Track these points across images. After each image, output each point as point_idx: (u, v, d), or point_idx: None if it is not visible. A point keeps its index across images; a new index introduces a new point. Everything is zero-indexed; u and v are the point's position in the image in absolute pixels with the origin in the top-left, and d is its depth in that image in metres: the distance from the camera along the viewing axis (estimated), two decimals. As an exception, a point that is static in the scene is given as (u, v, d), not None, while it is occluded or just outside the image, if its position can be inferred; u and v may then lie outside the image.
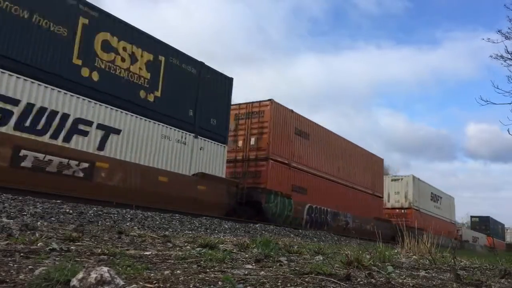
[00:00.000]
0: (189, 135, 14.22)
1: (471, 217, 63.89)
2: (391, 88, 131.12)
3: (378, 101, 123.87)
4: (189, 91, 14.39)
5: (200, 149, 14.52)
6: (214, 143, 15.16)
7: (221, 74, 15.82)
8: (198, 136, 14.50)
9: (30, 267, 2.55)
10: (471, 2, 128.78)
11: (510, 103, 10.44)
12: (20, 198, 8.41)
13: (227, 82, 16.11)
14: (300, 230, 16.53)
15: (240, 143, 18.22)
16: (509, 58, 10.69)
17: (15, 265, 2.58)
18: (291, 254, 4.81)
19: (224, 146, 15.60)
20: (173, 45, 14.53)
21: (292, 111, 19.50)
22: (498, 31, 10.61)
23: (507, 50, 10.66)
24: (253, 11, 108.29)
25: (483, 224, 59.35)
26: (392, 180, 33.61)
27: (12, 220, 6.39)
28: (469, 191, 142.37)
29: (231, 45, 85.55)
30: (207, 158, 14.86)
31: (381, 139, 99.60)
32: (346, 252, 4.13)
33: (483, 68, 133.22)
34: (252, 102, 18.63)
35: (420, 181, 34.52)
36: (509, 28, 10.49)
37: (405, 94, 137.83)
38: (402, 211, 31.84)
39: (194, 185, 13.79)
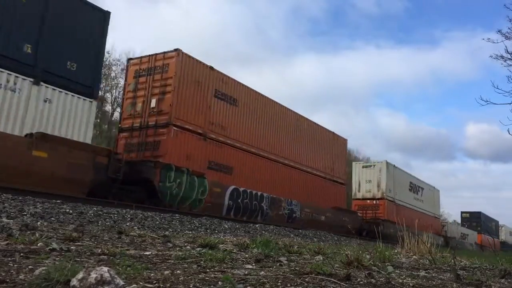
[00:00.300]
0: (24, 79, 10.27)
1: (462, 212, 59.24)
2: (391, 88, 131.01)
3: (378, 101, 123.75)
4: (26, 18, 10.42)
5: (46, 101, 10.59)
6: (73, 95, 11.17)
7: (89, 4, 11.96)
8: (42, 83, 10.58)
9: (30, 267, 2.55)
10: (470, 2, 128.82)
11: (510, 103, 10.41)
12: (20, 198, 8.41)
13: (99, 17, 12.08)
14: (300, 230, 16.50)
15: (139, 106, 14.38)
16: (509, 58, 10.67)
17: (15, 265, 2.58)
18: (291, 254, 4.81)
19: (91, 101, 11.66)
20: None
21: (211, 68, 15.36)
22: (498, 31, 10.58)
23: (507, 50, 10.64)
24: (252, 12, 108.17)
25: (474, 220, 55.26)
26: (363, 167, 29.22)
27: (12, 220, 6.39)
28: (469, 191, 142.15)
29: (230, 46, 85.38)
30: (59, 115, 10.85)
31: (381, 139, 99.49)
32: (346, 252, 4.14)
33: (482, 68, 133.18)
34: (156, 54, 14.59)
35: (396, 168, 30.15)
36: (509, 28, 10.46)
37: (405, 94, 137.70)
38: (374, 202, 27.61)
39: (26, 149, 9.54)
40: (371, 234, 22.84)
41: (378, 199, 27.75)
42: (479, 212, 56.87)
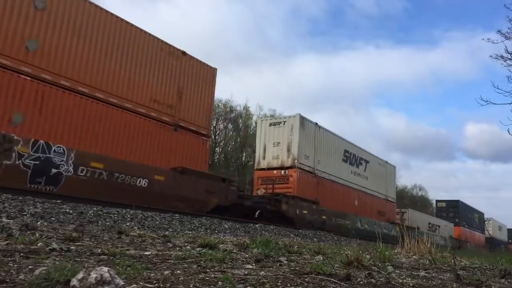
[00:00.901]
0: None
1: (437, 201, 51.03)
2: (390, 88, 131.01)
3: (377, 101, 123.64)
4: None
5: None
6: None
7: None
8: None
9: (30, 267, 2.55)
10: (469, 2, 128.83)
11: (510, 103, 10.43)
12: (20, 198, 8.41)
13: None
14: (300, 230, 16.48)
15: None
16: (509, 58, 10.68)
17: (15, 265, 2.58)
18: (291, 254, 4.81)
19: None
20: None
21: None
22: (498, 31, 10.60)
23: (507, 50, 10.66)
24: (252, 11, 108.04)
25: (452, 210, 46.61)
26: (270, 125, 20.50)
27: (12, 220, 6.39)
28: (469, 191, 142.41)
29: (230, 46, 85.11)
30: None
31: (381, 139, 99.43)
32: (346, 252, 4.14)
33: (481, 68, 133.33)
34: None
35: (321, 128, 21.56)
36: (509, 28, 10.48)
37: (404, 94, 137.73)
38: (282, 172, 19.43)
39: None
40: (267, 215, 17.06)
41: (288, 168, 19.52)
42: (457, 201, 48.34)
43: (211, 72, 15.74)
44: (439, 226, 38.49)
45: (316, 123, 21.14)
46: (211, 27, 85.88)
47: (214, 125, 44.04)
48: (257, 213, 16.98)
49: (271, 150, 20.06)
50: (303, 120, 20.01)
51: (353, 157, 24.33)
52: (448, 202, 48.29)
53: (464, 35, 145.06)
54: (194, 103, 14.84)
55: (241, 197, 16.49)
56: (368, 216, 24.96)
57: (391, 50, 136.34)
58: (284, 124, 20.04)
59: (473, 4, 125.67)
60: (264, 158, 20.24)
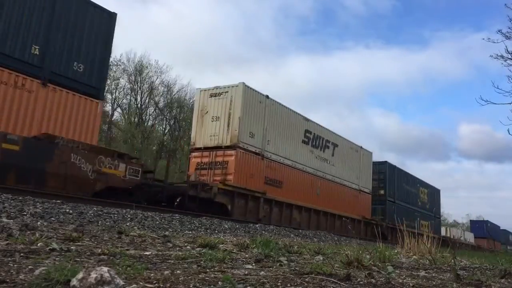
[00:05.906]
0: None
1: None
2: (382, 88, 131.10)
3: (370, 101, 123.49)
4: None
5: None
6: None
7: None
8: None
9: (30, 267, 2.55)
10: (457, 1, 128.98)
11: (510, 103, 10.44)
12: (20, 198, 8.40)
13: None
14: (300, 230, 16.47)
15: None
16: (509, 58, 10.70)
17: (15, 265, 2.58)
18: (291, 254, 4.82)
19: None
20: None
21: None
22: (499, 31, 10.62)
23: (507, 50, 10.66)
24: (242, 12, 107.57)
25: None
26: (211, 96, 16.58)
27: (12, 220, 6.39)
28: (465, 191, 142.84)
29: (222, 47, 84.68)
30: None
31: (376, 139, 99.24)
32: (346, 252, 4.14)
33: (472, 68, 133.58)
34: None
35: (273, 101, 17.58)
36: (509, 28, 10.49)
37: (397, 94, 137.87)
38: (223, 153, 15.76)
39: None
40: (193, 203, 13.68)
41: (227, 147, 15.71)
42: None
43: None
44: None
45: (267, 95, 17.35)
46: (203, 28, 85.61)
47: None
48: (177, 200, 14.05)
49: (210, 126, 16.38)
50: (246, 88, 16.27)
51: (317, 139, 20.52)
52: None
53: (453, 35, 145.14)
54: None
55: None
56: (337, 209, 21.17)
57: (381, 50, 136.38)
58: (225, 95, 16.35)
59: (461, 4, 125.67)
60: (201, 136, 16.55)
